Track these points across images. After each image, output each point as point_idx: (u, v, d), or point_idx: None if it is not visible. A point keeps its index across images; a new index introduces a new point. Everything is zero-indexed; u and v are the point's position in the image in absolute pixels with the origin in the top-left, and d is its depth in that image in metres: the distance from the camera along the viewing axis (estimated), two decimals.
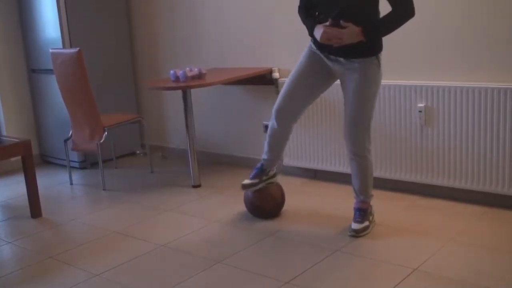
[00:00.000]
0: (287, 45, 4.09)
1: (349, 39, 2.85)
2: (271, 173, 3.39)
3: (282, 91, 3.18)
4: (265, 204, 3.41)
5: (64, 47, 4.62)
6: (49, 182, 4.59)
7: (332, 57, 3.01)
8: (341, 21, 2.86)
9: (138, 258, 3.01)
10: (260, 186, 3.35)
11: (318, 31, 2.91)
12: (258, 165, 3.38)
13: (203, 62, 4.58)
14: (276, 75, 4.16)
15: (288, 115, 3.19)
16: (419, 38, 3.53)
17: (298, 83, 3.12)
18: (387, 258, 2.80)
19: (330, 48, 2.97)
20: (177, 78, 3.97)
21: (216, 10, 4.51)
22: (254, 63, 4.32)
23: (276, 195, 3.44)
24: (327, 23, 2.88)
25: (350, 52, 2.93)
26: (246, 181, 3.35)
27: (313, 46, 3.08)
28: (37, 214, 3.76)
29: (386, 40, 3.45)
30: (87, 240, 3.32)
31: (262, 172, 3.36)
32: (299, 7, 3.14)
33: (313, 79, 3.11)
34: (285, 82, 3.19)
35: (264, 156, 3.36)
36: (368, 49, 2.93)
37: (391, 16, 2.86)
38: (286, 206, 3.53)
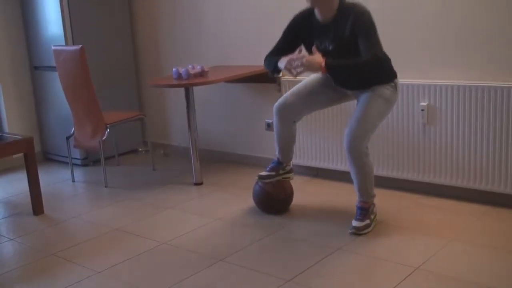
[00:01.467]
0: None
1: (309, 68, 2.91)
2: (288, 168, 3.45)
3: (289, 92, 3.28)
4: (276, 193, 3.43)
5: (66, 44, 4.62)
6: (51, 179, 4.60)
7: (347, 89, 3.16)
8: (313, 47, 2.98)
9: (140, 256, 3.01)
10: (276, 179, 3.41)
11: (283, 60, 3.00)
12: (275, 159, 3.43)
13: (205, 60, 4.58)
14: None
15: (286, 115, 3.26)
16: (422, 37, 3.53)
17: (306, 93, 3.23)
18: (389, 257, 2.80)
19: (344, 85, 3.15)
20: (179, 76, 3.97)
21: (218, 8, 4.51)
22: (257, 61, 4.31)
23: (287, 189, 3.49)
24: (296, 52, 3.01)
25: (361, 85, 3.08)
26: (263, 173, 3.42)
27: None
28: (39, 211, 3.76)
29: (390, 39, 3.45)
30: (89, 237, 3.32)
31: (279, 166, 3.41)
32: (269, 54, 3.20)
33: (330, 91, 3.22)
34: (300, 84, 3.29)
35: (276, 150, 3.42)
36: (378, 81, 3.04)
37: (357, 60, 2.90)
38: None
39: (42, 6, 4.78)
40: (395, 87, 3.10)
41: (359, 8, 2.93)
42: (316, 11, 3.04)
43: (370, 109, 3.02)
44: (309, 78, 3.29)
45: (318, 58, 2.93)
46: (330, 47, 3.00)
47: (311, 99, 3.25)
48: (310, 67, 2.91)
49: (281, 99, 3.28)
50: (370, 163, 3.10)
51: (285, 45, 3.16)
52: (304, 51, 3.09)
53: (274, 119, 3.32)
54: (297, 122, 3.35)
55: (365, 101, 3.04)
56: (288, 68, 2.95)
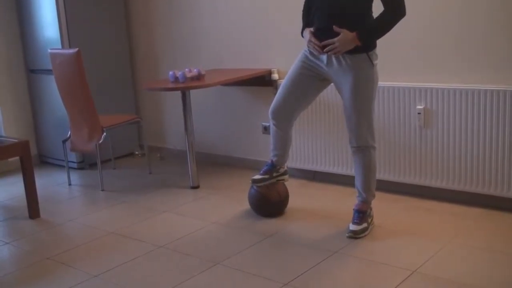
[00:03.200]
0: (286, 47, 4.09)
1: (344, 46, 2.90)
2: (282, 170, 3.43)
3: (277, 93, 3.25)
4: (270, 196, 3.43)
5: (63, 47, 4.62)
6: (47, 182, 4.59)
7: (325, 57, 3.04)
8: (334, 27, 2.91)
9: (136, 259, 3.01)
10: (270, 181, 3.40)
11: (306, 36, 3.02)
12: (269, 161, 3.42)
13: (202, 63, 4.58)
14: (275, 76, 4.16)
15: (282, 116, 3.24)
16: (419, 40, 3.53)
17: (292, 86, 3.18)
18: (386, 260, 2.80)
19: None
20: (176, 79, 3.97)
21: (215, 11, 4.51)
22: (253, 64, 4.32)
23: (282, 191, 3.48)
24: (312, 29, 2.99)
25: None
26: (257, 176, 3.40)
27: (307, 51, 3.12)
28: (35, 214, 3.75)
29: (386, 42, 3.44)
30: (85, 241, 3.32)
31: (272, 168, 3.40)
32: (302, 11, 3.20)
33: (306, 82, 3.16)
34: (281, 85, 3.25)
35: (271, 153, 3.40)
36: (362, 47, 2.96)
37: (383, 17, 2.90)
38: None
39: (38, 9, 4.77)
40: (372, 63, 2.98)
41: None
42: None
43: (359, 98, 2.98)
44: (288, 74, 3.22)
45: (347, 34, 2.89)
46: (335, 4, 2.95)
47: (297, 92, 3.18)
48: (344, 45, 2.90)
49: (273, 104, 3.26)
50: (375, 159, 3.12)
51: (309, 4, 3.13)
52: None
53: (270, 124, 3.32)
54: (294, 122, 3.32)
55: (349, 93, 2.99)
56: (313, 49, 2.99)
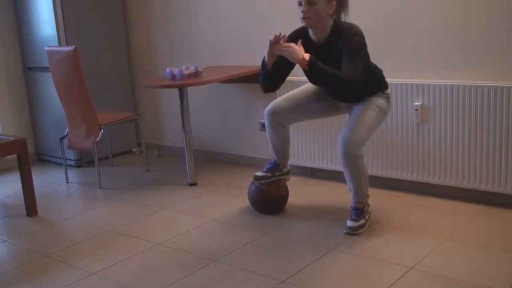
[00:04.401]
0: None
1: (291, 53, 2.89)
2: (285, 169, 3.45)
3: (284, 97, 3.28)
4: (271, 193, 3.44)
5: (60, 45, 4.62)
6: (45, 180, 4.59)
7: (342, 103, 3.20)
8: (298, 42, 2.96)
9: (134, 257, 3.01)
10: (272, 180, 3.41)
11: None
12: (272, 160, 3.44)
13: (200, 60, 4.58)
14: None
15: (279, 120, 3.27)
16: (416, 37, 3.54)
17: (303, 100, 3.25)
18: (383, 257, 2.81)
19: (339, 99, 3.19)
20: (173, 76, 3.97)
21: (212, 8, 4.51)
22: (251, 61, 4.32)
23: (282, 188, 3.50)
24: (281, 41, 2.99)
25: (355, 99, 3.11)
26: (259, 173, 3.43)
27: None
28: (32, 212, 3.75)
29: (383, 39, 3.45)
30: (83, 238, 3.32)
31: (275, 167, 3.42)
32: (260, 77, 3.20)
33: (320, 106, 3.26)
34: (295, 90, 3.31)
35: (272, 153, 3.42)
36: (370, 92, 3.08)
37: (336, 73, 2.87)
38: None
39: (35, 6, 4.77)
40: (388, 98, 3.13)
41: (353, 30, 2.94)
42: (310, 31, 3.04)
43: (364, 118, 3.03)
44: (304, 86, 3.30)
45: (301, 52, 2.90)
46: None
47: (303, 107, 3.25)
48: (293, 53, 2.88)
49: (273, 103, 3.28)
50: (365, 165, 3.10)
51: (278, 65, 3.09)
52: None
53: (265, 122, 3.33)
54: (288, 127, 3.35)
55: (359, 110, 3.06)
56: (270, 50, 2.98)
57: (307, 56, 2.87)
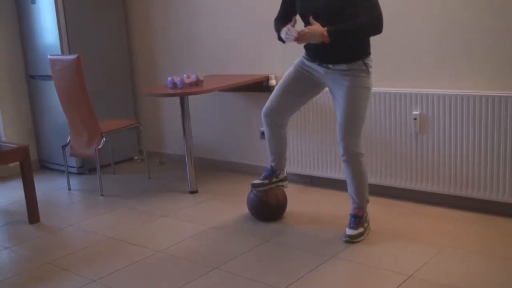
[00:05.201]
0: (284, 53, 4.11)
1: (311, 37, 2.89)
2: (282, 176, 3.46)
3: (271, 94, 3.30)
4: (269, 200, 3.46)
5: (62, 53, 4.65)
6: (47, 187, 4.61)
7: (323, 65, 3.08)
8: (310, 18, 2.92)
9: (135, 264, 3.02)
10: (269, 187, 3.43)
11: (283, 31, 2.99)
12: (269, 167, 3.45)
13: (200, 69, 4.60)
14: (272, 82, 4.19)
15: (274, 116, 3.28)
16: (415, 46, 3.56)
17: (286, 87, 3.23)
18: (382, 265, 2.82)
19: (320, 57, 3.07)
20: (174, 85, 3.99)
21: (213, 18, 4.54)
22: (251, 70, 4.35)
23: (280, 196, 3.51)
24: (291, 23, 2.96)
25: (336, 58, 3.02)
26: (257, 181, 3.44)
27: (305, 57, 3.15)
28: (35, 219, 3.77)
29: (382, 48, 3.46)
30: (84, 245, 3.33)
31: (272, 174, 3.43)
32: (276, 18, 3.20)
33: (301, 85, 3.21)
34: (277, 85, 3.30)
35: (269, 158, 3.44)
36: (353, 54, 3.00)
37: (358, 21, 2.86)
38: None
39: (38, 16, 4.80)
40: (368, 70, 3.02)
41: None
42: None
43: (352, 106, 3.01)
44: (281, 80, 3.28)
45: (319, 27, 2.89)
46: (322, 5, 2.96)
47: (290, 93, 3.23)
48: (312, 36, 2.89)
49: (266, 105, 3.31)
50: (365, 168, 3.13)
51: (286, 8, 3.14)
52: (297, 25, 3.03)
53: (263, 126, 3.36)
54: (286, 125, 3.35)
55: (344, 99, 3.02)
56: (287, 38, 2.96)
57: (324, 31, 2.86)
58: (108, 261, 3.08)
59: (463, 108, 3.35)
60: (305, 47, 3.15)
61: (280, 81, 3.28)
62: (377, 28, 2.88)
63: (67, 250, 3.28)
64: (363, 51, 3.03)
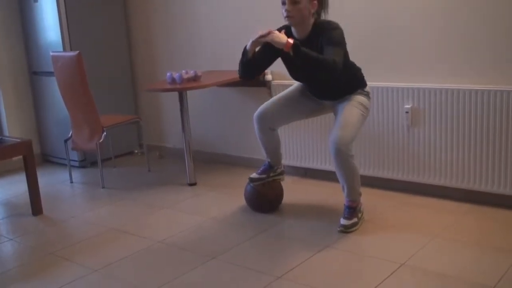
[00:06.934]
0: None
1: (277, 38, 2.93)
2: (278, 170, 3.52)
3: (270, 101, 3.36)
4: (266, 193, 3.51)
5: (64, 50, 4.67)
6: (50, 180, 4.64)
7: (327, 101, 3.26)
8: (282, 31, 3.04)
9: (136, 254, 3.06)
10: (266, 180, 3.49)
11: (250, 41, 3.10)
12: (266, 162, 3.50)
13: (198, 65, 4.63)
14: (269, 77, 4.21)
15: (266, 124, 3.34)
16: (406, 40, 3.58)
17: (288, 102, 3.33)
18: (376, 254, 2.85)
19: (325, 98, 3.27)
20: (173, 80, 4.03)
21: (211, 14, 4.56)
22: None
23: (277, 188, 3.57)
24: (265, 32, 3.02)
25: (339, 95, 3.19)
26: (254, 175, 3.50)
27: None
28: (38, 211, 3.80)
29: (374, 42, 3.51)
30: (86, 236, 3.37)
31: (270, 169, 3.50)
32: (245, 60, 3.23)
33: (304, 106, 3.34)
34: (277, 95, 3.38)
35: (265, 155, 3.50)
36: (352, 88, 3.16)
37: (322, 57, 2.89)
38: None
39: (41, 13, 4.83)
40: (368, 95, 3.20)
41: (333, 25, 3.02)
42: (293, 29, 3.11)
43: (351, 116, 3.09)
44: (289, 89, 3.38)
45: (284, 37, 2.94)
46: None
47: (290, 109, 3.32)
48: (277, 37, 2.92)
49: (261, 107, 3.34)
50: (356, 165, 3.16)
51: (262, 55, 3.19)
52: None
53: (255, 128, 3.38)
54: (277, 129, 3.42)
55: (344, 110, 3.12)
56: (254, 40, 3.03)
57: (291, 40, 2.90)
58: (109, 251, 3.11)
59: (453, 102, 3.38)
60: (309, 91, 3.30)
61: (284, 93, 3.36)
62: (333, 70, 2.87)
63: (69, 241, 3.32)
64: (361, 83, 3.20)
